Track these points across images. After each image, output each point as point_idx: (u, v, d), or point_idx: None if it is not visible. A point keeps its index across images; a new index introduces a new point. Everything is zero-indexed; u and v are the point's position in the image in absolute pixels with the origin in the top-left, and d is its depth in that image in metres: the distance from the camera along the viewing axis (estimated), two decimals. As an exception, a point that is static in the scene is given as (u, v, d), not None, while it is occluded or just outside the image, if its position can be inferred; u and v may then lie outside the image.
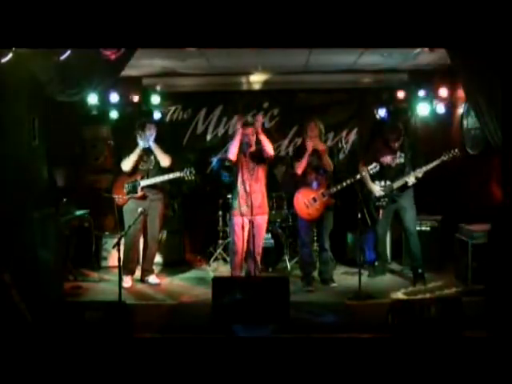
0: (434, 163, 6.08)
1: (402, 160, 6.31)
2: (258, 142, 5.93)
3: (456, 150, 6.00)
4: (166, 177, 6.37)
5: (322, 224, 6.26)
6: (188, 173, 6.22)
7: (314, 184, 6.15)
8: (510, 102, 4.56)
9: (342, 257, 7.25)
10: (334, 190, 6.05)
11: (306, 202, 6.12)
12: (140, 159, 6.36)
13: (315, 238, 6.84)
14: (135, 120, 6.69)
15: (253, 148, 5.95)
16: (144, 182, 6.32)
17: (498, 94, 4.66)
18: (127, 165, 6.32)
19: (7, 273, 4.68)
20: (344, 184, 6.02)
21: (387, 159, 6.34)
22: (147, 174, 6.37)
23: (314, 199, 6.09)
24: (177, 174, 6.30)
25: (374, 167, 6.03)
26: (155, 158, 6.38)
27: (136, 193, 6.30)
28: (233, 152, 5.87)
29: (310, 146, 6.05)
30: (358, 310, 5.36)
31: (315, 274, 6.50)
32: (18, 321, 4.52)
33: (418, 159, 6.26)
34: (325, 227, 6.25)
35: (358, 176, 6.02)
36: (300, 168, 6.11)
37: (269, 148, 5.89)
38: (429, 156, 6.24)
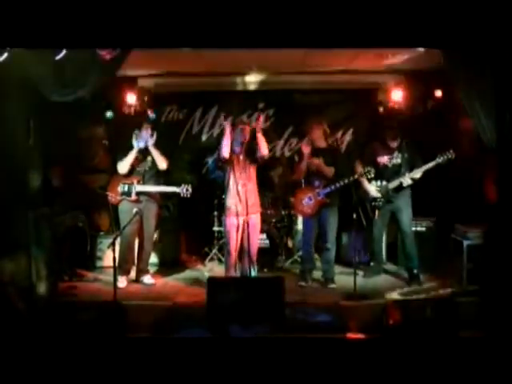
0: (430, 165, 6.10)
1: (399, 160, 6.32)
2: (252, 140, 5.94)
3: (451, 152, 6.00)
4: (162, 188, 6.46)
5: (323, 224, 6.29)
6: (185, 190, 6.29)
7: (316, 183, 6.25)
8: (504, 103, 4.58)
9: (338, 257, 7.23)
10: (328, 189, 6.12)
11: (302, 199, 6.27)
12: (136, 160, 6.34)
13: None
14: (131, 120, 6.66)
15: (244, 147, 5.94)
16: (139, 188, 6.31)
17: (493, 95, 4.68)
18: (123, 167, 6.30)
19: (3, 271, 4.68)
20: (337, 185, 6.08)
21: (384, 159, 6.36)
22: (143, 177, 6.37)
23: (310, 198, 6.21)
24: (173, 189, 6.35)
25: (368, 171, 6.05)
26: (152, 159, 6.38)
27: (130, 196, 6.28)
28: (226, 150, 5.84)
29: (305, 149, 6.18)
30: (352, 311, 5.36)
31: (318, 273, 6.55)
32: (15, 319, 4.50)
33: (415, 160, 6.27)
34: (327, 227, 6.27)
35: (352, 178, 6.07)
36: (296, 172, 6.32)
37: (264, 148, 5.89)
38: (424, 157, 6.24)
